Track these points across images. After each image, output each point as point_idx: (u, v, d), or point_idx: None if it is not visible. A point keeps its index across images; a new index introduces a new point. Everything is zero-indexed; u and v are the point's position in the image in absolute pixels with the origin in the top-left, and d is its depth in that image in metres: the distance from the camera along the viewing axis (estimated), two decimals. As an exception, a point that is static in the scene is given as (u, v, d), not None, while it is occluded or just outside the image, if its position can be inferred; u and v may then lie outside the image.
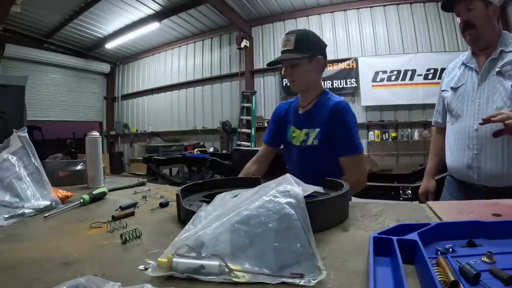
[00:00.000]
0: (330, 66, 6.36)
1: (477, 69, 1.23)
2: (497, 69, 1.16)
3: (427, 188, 1.45)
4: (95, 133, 1.30)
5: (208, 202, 0.81)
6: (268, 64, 1.40)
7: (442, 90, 1.40)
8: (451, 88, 1.32)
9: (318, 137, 1.21)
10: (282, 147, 1.41)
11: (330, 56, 6.39)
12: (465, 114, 1.23)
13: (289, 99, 1.48)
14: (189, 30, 7.93)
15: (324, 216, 0.65)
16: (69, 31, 7.43)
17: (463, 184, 1.24)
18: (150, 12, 6.81)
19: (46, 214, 0.81)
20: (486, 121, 0.98)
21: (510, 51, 1.17)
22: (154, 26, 7.06)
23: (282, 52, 1.23)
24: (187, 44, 8.46)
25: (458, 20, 1.24)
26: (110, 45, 8.17)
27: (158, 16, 6.87)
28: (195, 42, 8.29)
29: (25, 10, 5.97)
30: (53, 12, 6.49)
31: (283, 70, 1.28)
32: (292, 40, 1.20)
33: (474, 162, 1.17)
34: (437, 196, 1.42)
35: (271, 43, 7.13)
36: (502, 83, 1.14)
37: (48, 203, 0.88)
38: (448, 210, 0.72)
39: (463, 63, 1.32)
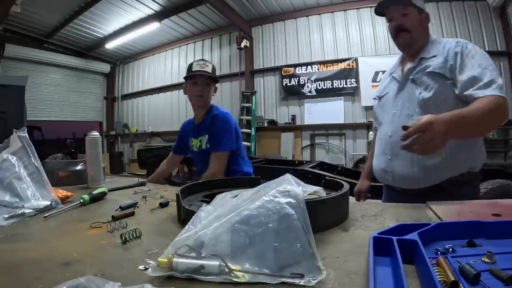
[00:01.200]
0: (330, 66, 6.36)
1: (398, 79, 1.26)
2: (411, 77, 1.18)
3: (360, 188, 1.55)
4: (95, 133, 1.30)
5: (208, 202, 0.81)
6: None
7: (373, 98, 1.45)
8: (378, 97, 1.37)
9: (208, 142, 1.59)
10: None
11: (330, 56, 6.43)
12: (385, 121, 1.28)
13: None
14: (189, 30, 7.93)
15: (324, 216, 0.65)
16: (69, 31, 7.42)
17: (387, 187, 1.31)
18: (150, 12, 6.81)
19: (46, 214, 0.81)
20: (406, 138, 0.90)
21: (429, 58, 1.17)
22: (154, 26, 7.06)
23: None
24: (187, 44, 8.45)
25: (388, 24, 1.25)
26: (110, 45, 8.16)
27: (158, 16, 6.87)
28: (195, 42, 8.28)
29: (25, 10, 5.97)
30: (53, 12, 6.49)
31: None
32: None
33: (388, 167, 1.21)
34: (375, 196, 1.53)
35: (271, 43, 7.12)
36: (414, 91, 1.17)
37: (48, 203, 0.88)
38: (448, 210, 0.72)
39: (390, 73, 1.35)
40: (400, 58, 1.35)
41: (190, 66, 1.63)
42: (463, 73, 1.06)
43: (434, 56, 1.16)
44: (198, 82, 1.61)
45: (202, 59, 1.66)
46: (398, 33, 1.21)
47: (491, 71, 1.03)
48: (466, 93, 1.04)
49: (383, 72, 6.01)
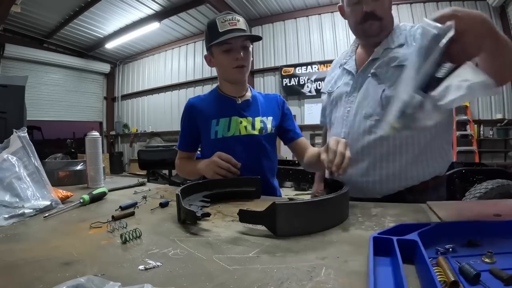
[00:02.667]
0: (330, 66, 6.35)
1: (354, 72, 1.08)
2: (372, 71, 1.01)
3: (317, 190, 1.45)
4: (95, 133, 1.30)
5: (208, 202, 0.81)
6: None
7: (321, 92, 1.26)
8: (327, 92, 1.18)
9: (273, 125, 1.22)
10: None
11: (330, 56, 6.44)
12: (336, 121, 1.11)
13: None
14: (189, 30, 7.93)
15: (324, 216, 0.65)
16: (69, 31, 7.43)
17: None
18: (150, 12, 6.82)
19: (46, 214, 0.81)
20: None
21: (394, 48, 0.99)
22: (154, 26, 7.07)
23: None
24: (187, 44, 8.46)
25: (352, 4, 1.01)
26: (110, 45, 8.17)
27: (158, 16, 6.88)
28: (195, 42, 8.29)
29: (25, 10, 5.98)
30: (53, 12, 6.50)
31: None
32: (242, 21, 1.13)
33: (341, 176, 1.06)
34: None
35: (271, 43, 7.13)
36: (375, 87, 0.99)
37: (48, 203, 0.88)
38: (448, 210, 0.73)
39: (341, 64, 1.16)
40: (353, 46, 1.16)
41: (214, 25, 1.09)
42: None
43: (401, 46, 0.99)
44: (233, 47, 1.09)
45: (228, 12, 1.13)
46: (366, 20, 1.00)
47: None
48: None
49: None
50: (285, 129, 1.26)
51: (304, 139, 1.28)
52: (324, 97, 1.23)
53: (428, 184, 0.98)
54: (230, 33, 1.07)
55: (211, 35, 1.11)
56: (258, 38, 1.20)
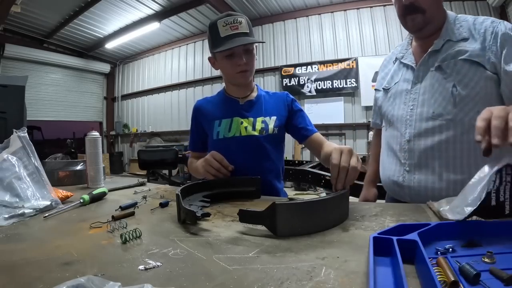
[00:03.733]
0: (330, 66, 6.36)
1: (413, 65, 1.00)
2: (436, 64, 0.93)
3: (366, 197, 1.27)
4: (95, 133, 1.30)
5: (208, 202, 0.81)
6: None
7: (375, 89, 1.19)
8: (383, 88, 1.11)
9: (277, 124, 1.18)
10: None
11: (330, 56, 6.44)
12: (396, 120, 1.01)
13: None
14: (189, 30, 7.93)
15: (324, 216, 0.65)
16: (69, 31, 7.43)
17: (398, 202, 1.00)
18: (150, 12, 6.81)
19: (46, 214, 0.81)
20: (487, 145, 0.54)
21: (457, 41, 0.91)
22: (154, 26, 7.06)
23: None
24: (187, 44, 8.45)
25: (395, 1, 0.97)
26: (110, 45, 8.17)
27: (158, 16, 6.87)
28: (195, 42, 8.29)
29: (25, 10, 5.97)
30: (53, 12, 6.49)
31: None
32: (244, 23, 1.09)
33: (406, 181, 0.96)
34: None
35: (271, 43, 7.13)
36: (441, 82, 0.91)
37: (48, 203, 0.88)
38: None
39: (397, 58, 1.09)
40: (408, 39, 1.08)
41: (215, 29, 1.06)
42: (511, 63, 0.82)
43: (465, 40, 0.91)
44: (236, 53, 1.07)
45: (229, 14, 1.08)
46: (408, 14, 0.94)
47: None
48: None
49: (383, 72, 6.01)
50: (296, 127, 1.22)
51: (318, 135, 1.21)
52: (379, 94, 1.15)
53: None
54: (232, 38, 1.04)
55: (213, 40, 1.09)
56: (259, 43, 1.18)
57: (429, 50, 0.95)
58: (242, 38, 1.05)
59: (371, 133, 6.06)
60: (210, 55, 1.20)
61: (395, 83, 1.06)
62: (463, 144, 0.89)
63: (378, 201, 1.31)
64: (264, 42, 1.28)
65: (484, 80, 0.86)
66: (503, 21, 0.89)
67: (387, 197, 1.15)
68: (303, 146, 7.00)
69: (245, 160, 1.10)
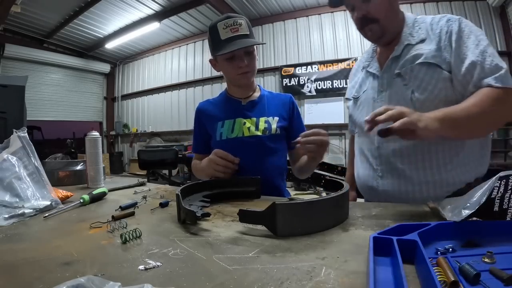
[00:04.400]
0: (330, 66, 6.36)
1: (377, 73, 1.02)
2: (396, 71, 0.95)
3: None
4: (95, 133, 1.30)
5: (208, 202, 0.81)
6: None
7: (346, 98, 1.21)
8: (352, 97, 1.14)
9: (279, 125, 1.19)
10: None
11: (330, 56, 6.44)
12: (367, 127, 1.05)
13: None
14: (189, 30, 7.93)
15: (324, 216, 0.65)
16: (69, 31, 7.43)
17: None
18: (150, 12, 6.81)
19: (46, 214, 0.81)
20: (372, 122, 0.72)
21: (416, 44, 0.93)
22: (154, 26, 7.06)
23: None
24: (187, 44, 8.45)
25: (351, 15, 1.00)
26: (110, 45, 8.17)
27: (158, 16, 6.87)
28: (195, 42, 8.29)
29: (25, 10, 5.97)
30: (53, 12, 6.49)
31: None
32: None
33: (380, 185, 0.99)
34: None
35: (271, 43, 7.12)
36: (402, 89, 0.93)
37: (48, 203, 0.88)
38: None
39: (363, 67, 1.12)
40: (373, 47, 1.11)
41: (216, 32, 1.07)
42: (463, 61, 0.85)
43: (422, 41, 0.93)
44: (237, 55, 1.08)
45: (229, 16, 1.08)
46: (364, 26, 0.97)
47: (491, 54, 0.83)
48: (469, 87, 0.84)
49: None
50: (290, 133, 1.21)
51: None
52: (349, 103, 1.17)
53: (471, 186, 0.93)
54: (233, 40, 1.05)
55: (214, 43, 1.10)
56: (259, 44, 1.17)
57: (390, 56, 0.98)
58: (242, 40, 1.05)
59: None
60: (211, 57, 1.20)
61: (363, 92, 1.08)
62: (430, 146, 0.91)
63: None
64: (264, 44, 1.30)
65: (442, 82, 0.88)
66: (458, 19, 0.90)
67: (365, 202, 1.16)
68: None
69: (249, 160, 1.10)
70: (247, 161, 1.09)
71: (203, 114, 1.27)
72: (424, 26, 0.95)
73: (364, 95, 1.08)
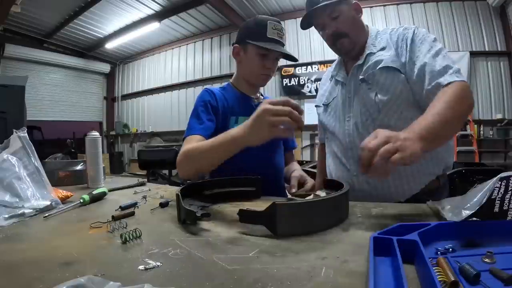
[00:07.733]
0: (330, 66, 6.35)
1: (344, 81, 1.11)
2: (360, 77, 1.03)
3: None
4: (95, 133, 1.30)
5: (208, 202, 0.81)
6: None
7: (316, 106, 1.27)
8: (323, 104, 1.20)
9: None
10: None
11: (330, 56, 6.42)
12: (338, 131, 1.11)
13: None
14: (189, 30, 7.93)
15: (324, 216, 0.65)
16: (69, 31, 7.43)
17: None
18: (150, 12, 6.81)
19: (46, 214, 0.81)
20: (366, 168, 0.62)
21: (377, 52, 1.02)
22: (154, 26, 7.07)
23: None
24: (187, 44, 8.46)
25: (321, 34, 1.11)
26: (110, 45, 8.17)
27: (158, 16, 6.88)
28: (195, 42, 8.29)
29: (25, 10, 5.97)
30: (53, 12, 6.50)
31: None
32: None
33: (356, 185, 1.04)
34: None
35: (271, 43, 7.13)
36: (367, 92, 1.01)
37: (48, 203, 0.88)
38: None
39: (332, 76, 1.20)
40: (340, 58, 1.20)
41: (264, 26, 1.10)
42: (415, 63, 0.92)
43: (383, 49, 1.02)
44: (270, 56, 1.13)
45: (278, 21, 1.14)
46: (335, 41, 1.07)
47: (442, 57, 0.89)
48: (424, 86, 0.89)
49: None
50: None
51: (292, 153, 1.32)
52: (320, 110, 1.24)
53: (441, 179, 1.01)
54: (276, 42, 1.10)
55: (257, 33, 1.10)
56: (294, 59, 1.18)
57: (354, 64, 1.07)
58: (282, 47, 1.13)
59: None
60: (235, 44, 1.18)
61: (333, 98, 1.16)
62: None
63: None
64: (297, 60, 1.24)
65: (402, 84, 0.96)
66: (414, 28, 0.99)
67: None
68: (303, 146, 6.93)
69: (262, 158, 1.12)
70: (260, 159, 1.10)
71: (217, 98, 1.17)
72: (385, 37, 1.05)
73: (334, 102, 1.15)
